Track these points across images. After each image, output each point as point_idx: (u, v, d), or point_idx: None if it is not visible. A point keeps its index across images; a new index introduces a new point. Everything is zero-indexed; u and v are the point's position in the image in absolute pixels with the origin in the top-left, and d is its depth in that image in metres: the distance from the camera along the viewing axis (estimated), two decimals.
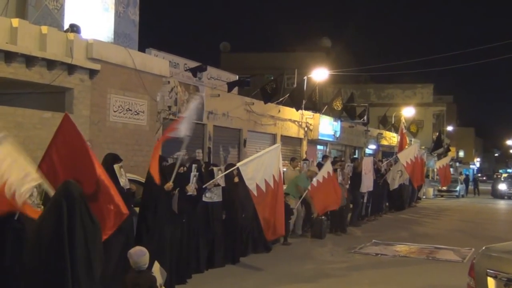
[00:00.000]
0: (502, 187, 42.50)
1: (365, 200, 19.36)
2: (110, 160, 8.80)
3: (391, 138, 37.01)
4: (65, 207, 5.24)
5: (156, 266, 6.28)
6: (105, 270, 8.14)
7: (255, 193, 10.71)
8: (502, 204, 34.42)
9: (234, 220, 11.61)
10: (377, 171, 20.46)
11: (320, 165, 17.74)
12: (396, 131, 37.44)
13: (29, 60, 11.47)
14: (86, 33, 13.46)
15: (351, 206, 18.35)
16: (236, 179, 11.66)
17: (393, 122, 38.87)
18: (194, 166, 10.06)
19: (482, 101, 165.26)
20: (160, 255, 8.90)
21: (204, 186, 10.32)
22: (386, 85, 52.68)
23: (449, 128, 59.23)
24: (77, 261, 5.26)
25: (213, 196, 10.95)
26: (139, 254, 6.03)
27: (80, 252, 5.30)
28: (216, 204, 11.04)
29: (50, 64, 11.89)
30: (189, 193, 9.79)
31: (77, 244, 5.25)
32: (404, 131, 25.86)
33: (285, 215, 14.09)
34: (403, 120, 32.99)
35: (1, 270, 6.95)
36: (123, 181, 8.67)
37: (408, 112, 42.13)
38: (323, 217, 15.97)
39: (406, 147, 24.31)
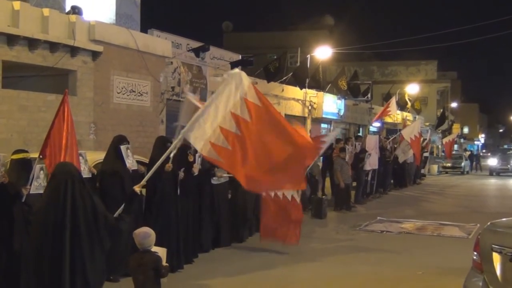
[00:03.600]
0: (493, 162, 38.60)
1: (369, 178, 19.38)
2: (116, 141, 8.83)
3: (396, 115, 36.95)
4: (70, 186, 5.27)
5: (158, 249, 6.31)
6: (114, 250, 8.27)
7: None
8: (508, 180, 34.20)
9: (239, 199, 11.65)
10: (382, 149, 20.46)
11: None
12: (402, 108, 37.37)
13: (32, 43, 11.47)
14: (88, 15, 13.44)
15: (354, 184, 18.41)
16: None
17: (397, 99, 38.75)
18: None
19: (486, 76, 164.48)
20: (166, 235, 8.98)
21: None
22: (390, 62, 52.47)
23: (453, 104, 59.07)
24: (82, 241, 5.30)
25: (220, 178, 10.99)
26: (144, 235, 6.07)
27: (84, 231, 5.34)
28: (222, 183, 11.08)
29: (53, 46, 11.90)
30: (195, 174, 9.86)
31: (81, 222, 5.29)
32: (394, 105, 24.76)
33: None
34: (396, 95, 32.78)
35: (10, 252, 7.03)
36: (129, 162, 8.71)
37: (412, 89, 42.00)
38: (324, 196, 15.98)
39: (408, 123, 24.26)
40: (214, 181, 10.83)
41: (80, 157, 8.23)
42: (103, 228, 5.50)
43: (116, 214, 5.99)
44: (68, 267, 5.23)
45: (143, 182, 6.76)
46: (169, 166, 9.11)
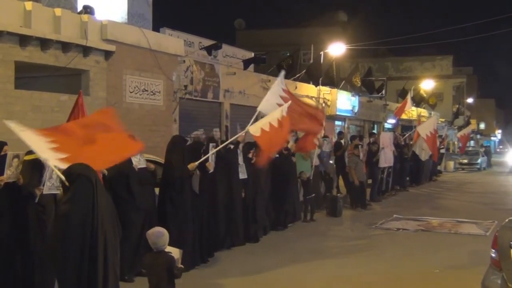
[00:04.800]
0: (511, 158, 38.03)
1: (385, 175, 19.29)
2: None
3: (411, 112, 36.73)
4: (95, 187, 5.33)
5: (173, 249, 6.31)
6: (125, 250, 8.30)
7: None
8: None
9: (252, 198, 11.64)
10: (398, 145, 20.36)
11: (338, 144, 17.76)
12: (417, 104, 37.13)
13: (44, 43, 11.51)
14: (100, 14, 13.47)
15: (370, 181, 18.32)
16: (254, 159, 11.67)
17: (412, 96, 38.53)
18: (211, 145, 10.08)
19: (503, 71, 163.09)
20: (183, 234, 8.99)
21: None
22: (404, 58, 52.12)
23: (469, 100, 58.63)
24: (107, 244, 5.38)
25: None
26: (157, 234, 6.06)
27: (110, 228, 5.43)
28: (236, 182, 11.07)
29: (65, 46, 11.93)
30: (210, 171, 9.88)
31: (103, 217, 5.37)
32: (409, 102, 24.77)
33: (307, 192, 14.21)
34: (411, 91, 32.60)
35: (24, 253, 7.07)
36: (135, 160, 8.78)
37: (427, 84, 41.71)
38: (338, 194, 15.92)
39: (424, 120, 24.11)
40: (242, 175, 10.96)
41: None
42: (118, 223, 5.62)
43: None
44: (102, 266, 5.30)
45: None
46: (194, 165, 9.16)
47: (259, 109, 10.96)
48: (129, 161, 8.62)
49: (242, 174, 11.13)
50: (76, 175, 5.44)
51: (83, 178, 5.38)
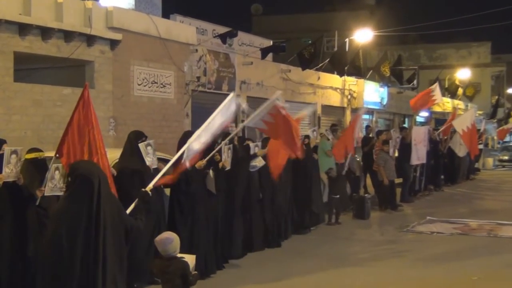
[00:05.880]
0: None
1: (417, 174, 19.17)
2: (134, 138, 8.86)
3: (445, 104, 36.49)
4: (96, 186, 5.27)
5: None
6: (134, 257, 8.33)
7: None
8: None
9: (271, 198, 11.63)
10: (432, 141, 20.22)
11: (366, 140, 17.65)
12: (452, 95, 36.86)
13: (45, 32, 11.59)
14: (105, 0, 13.54)
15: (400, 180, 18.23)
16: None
17: (446, 86, 38.28)
18: (224, 143, 10.05)
19: None
20: (195, 239, 9.01)
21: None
22: (438, 45, 51.74)
23: (510, 90, 58.08)
24: (107, 245, 5.31)
25: (255, 165, 11.00)
26: (166, 241, 6.04)
27: (112, 235, 5.37)
28: (254, 183, 11.06)
29: (68, 35, 12.00)
30: (226, 169, 9.89)
31: (105, 225, 5.30)
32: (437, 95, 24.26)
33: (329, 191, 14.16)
34: (446, 81, 32.29)
35: (25, 257, 7.14)
36: (149, 160, 8.74)
37: (463, 74, 41.40)
38: (366, 194, 15.84)
39: (461, 112, 23.87)
40: (252, 168, 10.91)
41: (149, 147, 8.62)
42: (126, 229, 5.54)
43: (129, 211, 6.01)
44: (101, 275, 5.24)
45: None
46: (201, 163, 9.13)
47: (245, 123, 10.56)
48: (142, 160, 8.64)
49: (260, 162, 11.04)
50: (76, 174, 5.41)
51: (83, 178, 5.33)
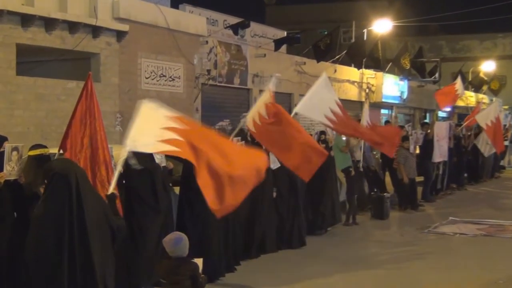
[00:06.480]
0: None
1: (440, 171, 19.09)
2: None
3: (468, 98, 36.34)
4: (74, 184, 5.29)
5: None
6: (143, 257, 8.36)
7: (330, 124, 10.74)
8: None
9: (286, 198, 11.61)
10: (454, 137, 20.11)
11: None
12: (476, 89, 36.65)
13: (49, 23, 11.63)
14: None
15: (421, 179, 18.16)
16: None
17: (470, 79, 38.08)
18: (235, 139, 10.05)
19: None
20: (206, 240, 9.01)
21: None
22: (461, 36, 51.46)
23: None
24: (92, 254, 5.34)
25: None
26: (175, 242, 6.05)
27: (95, 234, 5.38)
28: (267, 181, 11.04)
29: (72, 26, 12.04)
30: None
31: (90, 224, 5.32)
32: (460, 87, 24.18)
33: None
34: (470, 74, 31.99)
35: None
36: (158, 158, 8.75)
37: (488, 66, 41.18)
38: (385, 194, 15.80)
39: (484, 107, 23.68)
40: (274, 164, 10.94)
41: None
42: (112, 227, 5.57)
43: None
44: (79, 274, 5.26)
45: None
46: None
47: (297, 109, 10.82)
48: (151, 158, 8.65)
49: (274, 163, 11.05)
50: (52, 173, 5.42)
51: (59, 176, 5.33)
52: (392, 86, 27.21)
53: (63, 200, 5.25)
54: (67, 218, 5.23)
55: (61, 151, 7.27)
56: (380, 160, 17.45)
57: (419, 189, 17.58)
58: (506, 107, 40.76)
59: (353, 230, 13.66)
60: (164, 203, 8.79)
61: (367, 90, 25.64)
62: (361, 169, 14.68)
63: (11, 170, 6.99)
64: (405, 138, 16.45)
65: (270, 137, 9.71)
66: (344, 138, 15.04)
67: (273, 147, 9.86)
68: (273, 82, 10.16)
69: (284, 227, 11.52)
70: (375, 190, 16.22)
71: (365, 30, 25.13)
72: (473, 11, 38.11)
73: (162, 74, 14.09)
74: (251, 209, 10.70)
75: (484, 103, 33.84)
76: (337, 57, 23.12)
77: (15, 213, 7.25)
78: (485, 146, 21.58)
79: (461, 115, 35.21)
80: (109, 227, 5.56)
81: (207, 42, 16.02)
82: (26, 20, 11.24)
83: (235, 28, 18.20)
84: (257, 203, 10.80)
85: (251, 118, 9.55)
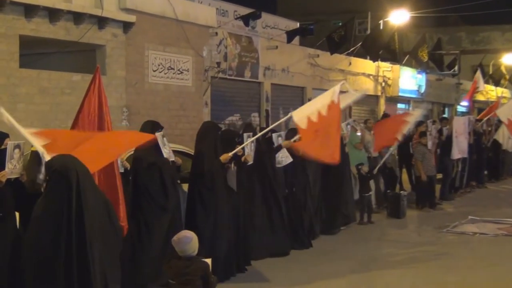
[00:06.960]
0: None
1: (459, 168, 19.01)
2: (150, 128, 8.88)
3: (489, 92, 36.16)
4: (74, 182, 5.29)
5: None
6: (150, 256, 8.38)
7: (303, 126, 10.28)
8: None
9: (298, 196, 11.61)
10: (474, 132, 20.02)
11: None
12: (496, 83, 36.47)
13: (53, 14, 11.65)
14: None
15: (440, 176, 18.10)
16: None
17: (491, 72, 37.88)
18: (246, 135, 10.05)
19: None
20: (217, 238, 9.02)
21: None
22: (481, 27, 51.21)
23: None
24: (92, 243, 5.34)
25: (282, 160, 10.99)
26: (185, 241, 6.07)
27: (99, 233, 5.39)
28: (278, 179, 11.04)
29: (77, 17, 12.05)
30: (249, 163, 9.90)
31: (91, 222, 5.33)
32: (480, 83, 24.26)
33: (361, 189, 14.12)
34: (490, 66, 31.81)
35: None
36: (166, 152, 8.78)
37: (509, 59, 40.96)
38: (402, 191, 15.77)
39: (504, 101, 23.56)
40: (278, 164, 10.93)
41: (165, 138, 8.73)
42: (115, 227, 5.58)
43: None
44: (88, 276, 5.28)
45: None
46: (227, 157, 9.16)
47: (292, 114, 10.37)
48: (159, 153, 8.67)
49: (287, 158, 11.04)
50: (52, 171, 5.42)
51: (58, 174, 5.34)
52: (409, 80, 27.12)
53: (62, 198, 5.25)
54: (66, 217, 5.23)
55: None
56: (397, 157, 17.42)
57: (438, 187, 17.54)
58: None
59: (368, 229, 13.65)
60: (173, 200, 8.81)
61: (383, 84, 25.58)
62: (376, 169, 14.65)
63: (12, 168, 6.99)
64: (423, 134, 16.39)
65: (314, 140, 9.90)
66: (359, 134, 15.03)
67: (312, 150, 10.12)
68: (340, 86, 10.49)
69: (296, 225, 11.53)
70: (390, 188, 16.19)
71: (381, 21, 25.08)
72: (495, 0, 37.91)
73: (170, 66, 14.09)
74: (264, 207, 10.73)
75: (504, 97, 33.69)
76: (352, 49, 23.05)
77: (16, 213, 7.27)
78: (507, 141, 21.50)
79: (481, 109, 35.04)
80: (114, 228, 5.57)
81: (216, 33, 16.01)
82: (29, 10, 11.26)
83: (246, 19, 18.18)
84: (269, 200, 10.82)
85: (304, 115, 9.76)
